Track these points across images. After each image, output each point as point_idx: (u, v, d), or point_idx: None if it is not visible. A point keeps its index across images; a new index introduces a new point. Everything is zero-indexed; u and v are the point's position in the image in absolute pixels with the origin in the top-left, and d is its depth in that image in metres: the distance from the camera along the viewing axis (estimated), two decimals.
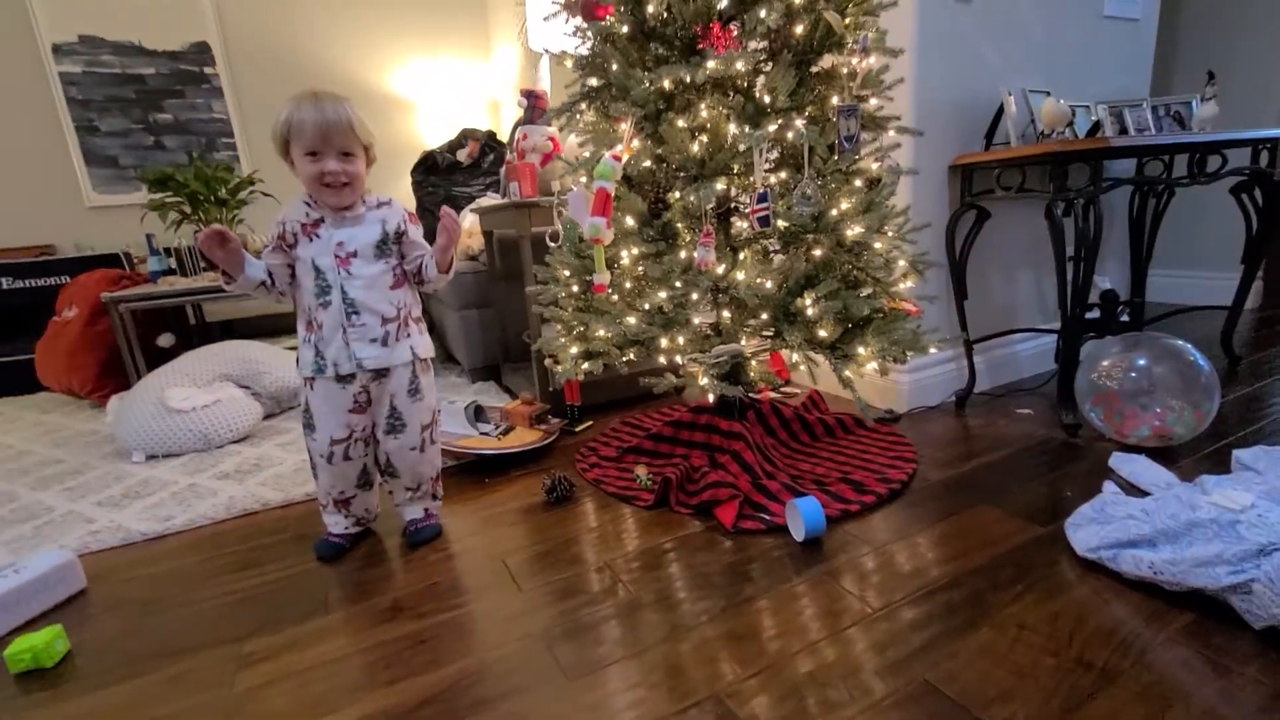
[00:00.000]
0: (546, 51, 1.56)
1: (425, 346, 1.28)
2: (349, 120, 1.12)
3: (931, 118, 1.73)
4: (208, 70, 3.78)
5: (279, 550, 1.34)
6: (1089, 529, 1.09)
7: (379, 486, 1.36)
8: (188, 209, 2.75)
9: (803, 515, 1.18)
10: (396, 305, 1.21)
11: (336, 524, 1.31)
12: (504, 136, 3.91)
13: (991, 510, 1.28)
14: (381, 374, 1.23)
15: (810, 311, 1.21)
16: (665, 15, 1.22)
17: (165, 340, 2.74)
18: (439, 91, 4.29)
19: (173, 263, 2.83)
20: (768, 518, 1.28)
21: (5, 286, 3.11)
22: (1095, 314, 1.87)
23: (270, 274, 1.18)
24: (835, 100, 1.29)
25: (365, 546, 1.33)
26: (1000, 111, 1.76)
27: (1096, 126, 1.72)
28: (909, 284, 1.43)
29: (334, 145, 1.11)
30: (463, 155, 3.45)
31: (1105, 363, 1.48)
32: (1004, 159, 1.64)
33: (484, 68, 4.47)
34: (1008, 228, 1.97)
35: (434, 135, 4.20)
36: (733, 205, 1.41)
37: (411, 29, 4.22)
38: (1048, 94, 1.81)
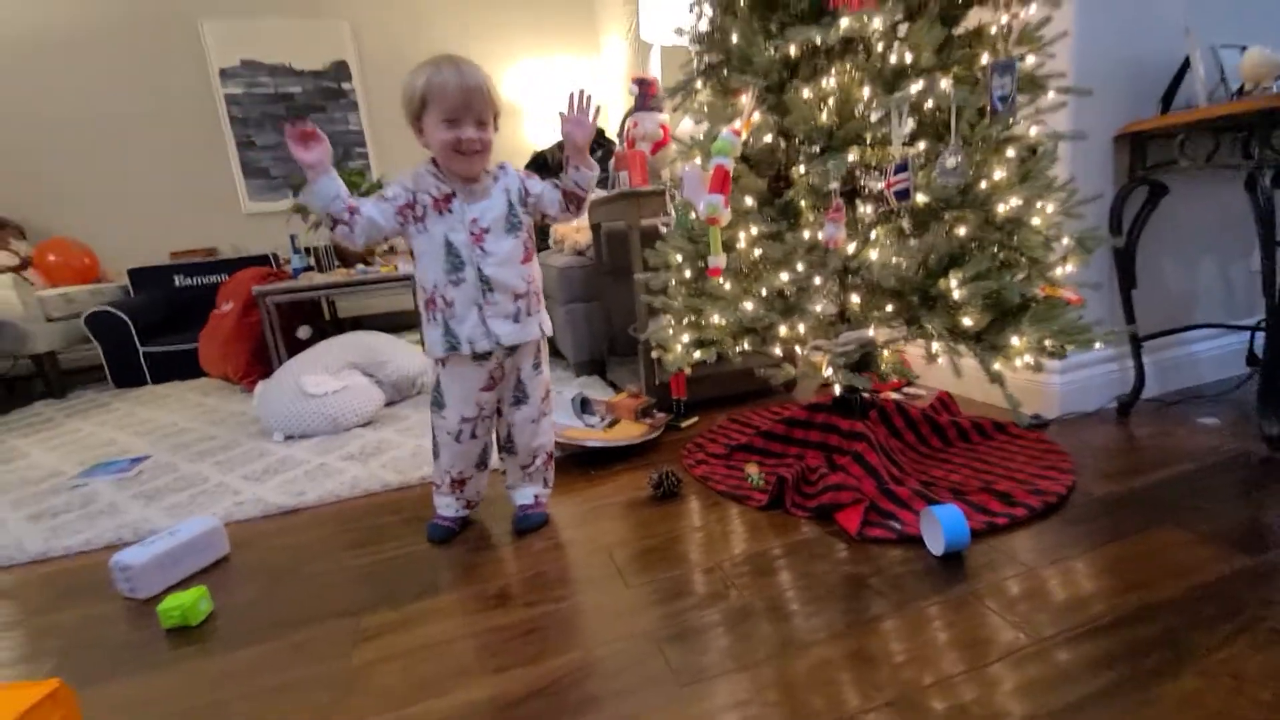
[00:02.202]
0: (660, 45, 1.52)
1: (549, 323, 1.28)
2: (488, 85, 1.10)
3: (1094, 79, 1.50)
4: (345, 86, 4.10)
5: (395, 530, 1.37)
6: None
7: (489, 470, 1.37)
8: None
9: (943, 525, 1.04)
10: (526, 280, 1.20)
11: (448, 506, 1.33)
12: (611, 134, 3.94)
13: (1177, 533, 1.08)
14: (512, 349, 1.23)
15: (956, 294, 1.07)
16: None
17: (304, 332, 2.97)
18: (549, 92, 4.40)
19: (312, 261, 3.08)
20: (898, 526, 1.15)
21: (178, 284, 3.53)
22: None
23: (354, 213, 1.10)
24: (985, 58, 1.14)
25: (473, 531, 1.34)
26: (1182, 71, 1.51)
27: None
28: (1069, 268, 1.24)
29: (473, 111, 1.08)
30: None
31: None
32: (1191, 122, 1.39)
33: (592, 64, 4.53)
34: (1189, 206, 1.69)
35: (544, 137, 4.31)
36: (860, 186, 1.29)
37: (523, 34, 4.38)
38: (1244, 48, 1.53)
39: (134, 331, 3.12)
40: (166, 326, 3.34)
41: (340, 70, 4.08)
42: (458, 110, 1.07)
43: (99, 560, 1.33)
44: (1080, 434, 1.53)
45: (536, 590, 1.09)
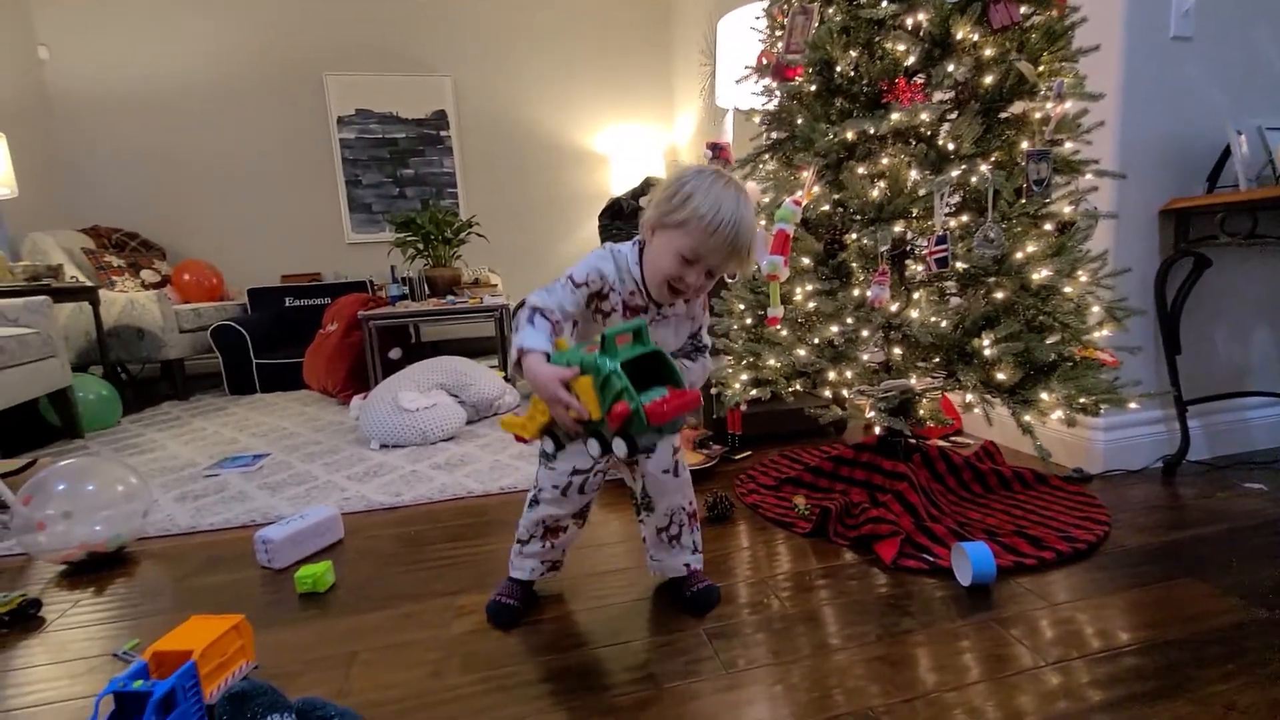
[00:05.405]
0: (735, 108, 1.73)
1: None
2: (752, 243, 0.95)
3: (1139, 160, 1.62)
4: (443, 133, 4.54)
5: (480, 530, 1.58)
6: None
7: (582, 530, 1.22)
8: (420, 246, 3.32)
9: (970, 558, 1.16)
10: None
11: (525, 568, 1.18)
12: None
13: (1200, 585, 1.15)
14: None
15: (988, 352, 1.21)
16: (853, 74, 1.32)
17: (395, 353, 3.30)
18: (627, 145, 4.74)
19: (406, 290, 3.42)
20: (930, 559, 1.27)
21: (288, 304, 3.95)
22: None
23: (558, 323, 0.94)
24: (1025, 145, 1.29)
25: None
26: (1227, 152, 1.60)
27: None
28: (1105, 333, 1.35)
29: (718, 265, 0.95)
30: (645, 201, 3.77)
31: None
32: (1231, 202, 1.49)
33: (667, 121, 4.87)
34: (1237, 277, 1.76)
35: (620, 183, 4.62)
36: (909, 249, 1.45)
37: (612, 96, 4.79)
38: None
39: (250, 345, 3.53)
40: (277, 342, 3.74)
41: (440, 119, 4.53)
42: (705, 257, 0.93)
43: (238, 536, 1.59)
44: (1121, 490, 1.60)
45: (599, 588, 1.26)
